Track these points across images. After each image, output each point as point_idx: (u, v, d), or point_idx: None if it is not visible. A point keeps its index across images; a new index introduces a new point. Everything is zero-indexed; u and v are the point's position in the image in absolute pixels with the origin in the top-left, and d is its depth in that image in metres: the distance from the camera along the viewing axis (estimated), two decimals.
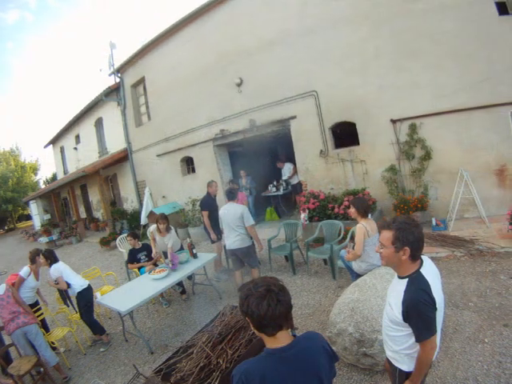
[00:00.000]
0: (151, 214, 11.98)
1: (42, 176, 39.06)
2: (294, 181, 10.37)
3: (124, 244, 8.77)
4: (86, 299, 5.00)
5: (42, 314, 5.15)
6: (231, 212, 5.26)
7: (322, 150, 8.57)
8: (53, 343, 4.84)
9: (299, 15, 8.48)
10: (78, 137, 18.31)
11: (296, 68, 8.68)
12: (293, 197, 10.88)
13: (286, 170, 10.72)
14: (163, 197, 13.16)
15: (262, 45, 9.27)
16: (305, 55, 8.51)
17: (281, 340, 1.46)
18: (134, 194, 14.60)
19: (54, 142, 21.19)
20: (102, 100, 14.35)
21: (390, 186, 7.51)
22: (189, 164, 12.29)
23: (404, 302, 1.80)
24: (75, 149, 18.49)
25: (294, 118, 8.93)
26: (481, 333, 3.50)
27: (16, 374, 3.94)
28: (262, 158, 12.07)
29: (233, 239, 5.29)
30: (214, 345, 2.92)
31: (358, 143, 8.04)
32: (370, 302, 3.30)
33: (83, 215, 19.25)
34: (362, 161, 7.98)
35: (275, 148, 12.31)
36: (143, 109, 13.81)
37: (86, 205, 19.19)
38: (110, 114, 14.89)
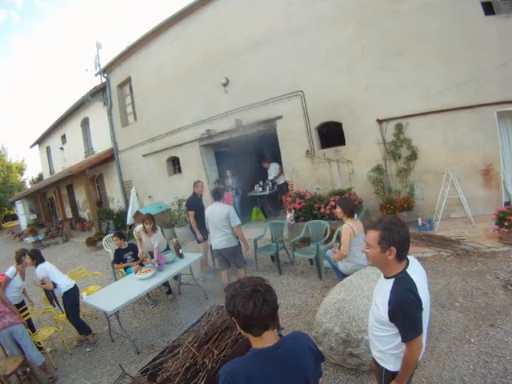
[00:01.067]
0: (137, 214, 11.48)
1: (28, 176, 37.54)
2: (280, 181, 9.98)
3: (110, 244, 8.42)
4: (72, 299, 4.81)
5: (28, 314, 4.97)
6: (217, 212, 5.05)
7: (308, 150, 8.20)
8: (39, 343, 4.65)
9: (285, 15, 8.11)
10: (64, 137, 17.55)
11: (282, 68, 8.29)
12: (279, 197, 10.49)
13: (272, 170, 10.32)
14: (149, 197, 12.61)
15: (248, 45, 8.86)
16: (291, 55, 8.13)
17: (267, 340, 1.40)
18: (120, 194, 13.99)
19: (40, 142, 20.34)
20: (88, 100, 13.72)
21: (376, 186, 7.19)
22: (175, 164, 11.77)
23: (390, 302, 1.74)
24: (61, 149, 17.73)
25: (280, 117, 8.54)
26: (467, 333, 3.38)
27: (2, 374, 3.79)
28: (248, 158, 11.63)
29: (219, 239, 5.08)
30: (200, 345, 2.81)
31: (344, 143, 7.70)
32: (356, 302, 3.19)
33: (69, 215, 18.50)
34: (348, 161, 7.63)
35: (261, 148, 11.88)
36: (129, 109, 13.21)
37: (72, 205, 18.41)
38: (96, 114, 14.25)
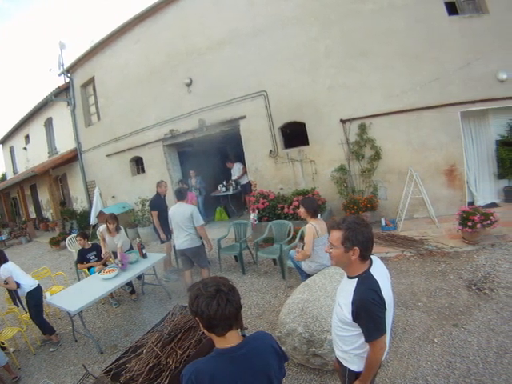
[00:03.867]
0: (101, 214, 10.00)
1: None
2: (244, 181, 8.91)
3: (74, 244, 7.52)
4: (35, 299, 4.36)
5: None
6: (180, 212, 4.54)
7: (271, 150, 7.20)
8: (2, 343, 4.21)
9: (248, 15, 7.12)
10: (27, 137, 15.35)
11: (246, 68, 7.25)
12: (242, 197, 9.43)
13: (236, 169, 9.23)
14: (113, 197, 11.07)
15: (212, 44, 7.76)
16: (255, 55, 7.13)
17: (230, 340, 1.25)
18: (83, 194, 12.28)
19: (3, 141, 17.85)
20: (52, 100, 11.90)
21: (339, 186, 6.32)
22: (138, 164, 10.36)
23: (354, 302, 1.55)
24: (25, 149, 15.55)
25: (243, 117, 7.49)
26: (430, 333, 3.07)
27: None
28: (211, 158, 10.47)
29: (182, 239, 4.55)
30: (164, 345, 2.56)
31: (308, 143, 6.78)
32: (319, 302, 2.89)
33: (33, 215, 16.31)
34: (311, 161, 6.72)
35: (225, 148, 10.77)
36: (93, 109, 11.57)
37: (36, 205, 16.22)
38: (60, 114, 12.46)
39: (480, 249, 4.44)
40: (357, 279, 1.62)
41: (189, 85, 8.31)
